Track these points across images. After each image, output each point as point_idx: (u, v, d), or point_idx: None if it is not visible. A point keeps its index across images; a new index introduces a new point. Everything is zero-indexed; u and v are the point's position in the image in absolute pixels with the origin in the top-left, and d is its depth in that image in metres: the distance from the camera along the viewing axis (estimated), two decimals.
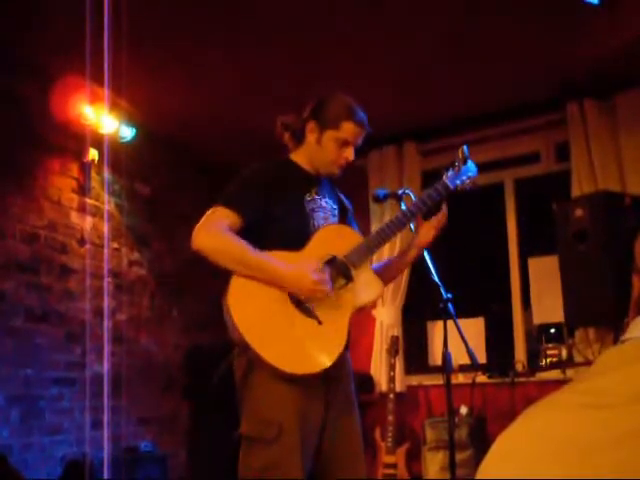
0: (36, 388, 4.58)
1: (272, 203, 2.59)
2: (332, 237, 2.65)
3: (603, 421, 0.79)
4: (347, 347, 2.62)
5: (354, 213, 2.99)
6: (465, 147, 2.82)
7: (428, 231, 2.74)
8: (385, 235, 2.67)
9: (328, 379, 2.52)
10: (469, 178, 2.81)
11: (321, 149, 2.69)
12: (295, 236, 2.58)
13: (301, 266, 2.48)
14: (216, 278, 2.58)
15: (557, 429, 0.81)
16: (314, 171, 2.75)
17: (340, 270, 2.58)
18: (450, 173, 2.78)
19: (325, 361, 2.44)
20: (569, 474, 0.76)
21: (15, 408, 4.42)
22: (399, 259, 2.89)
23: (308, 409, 2.47)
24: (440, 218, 2.74)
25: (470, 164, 2.82)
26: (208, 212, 2.55)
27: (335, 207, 2.82)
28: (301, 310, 2.48)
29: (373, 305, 5.74)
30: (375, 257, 2.87)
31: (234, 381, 2.53)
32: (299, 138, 2.78)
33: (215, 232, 2.50)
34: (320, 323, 2.48)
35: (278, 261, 2.49)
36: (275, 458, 2.37)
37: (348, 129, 2.66)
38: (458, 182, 2.78)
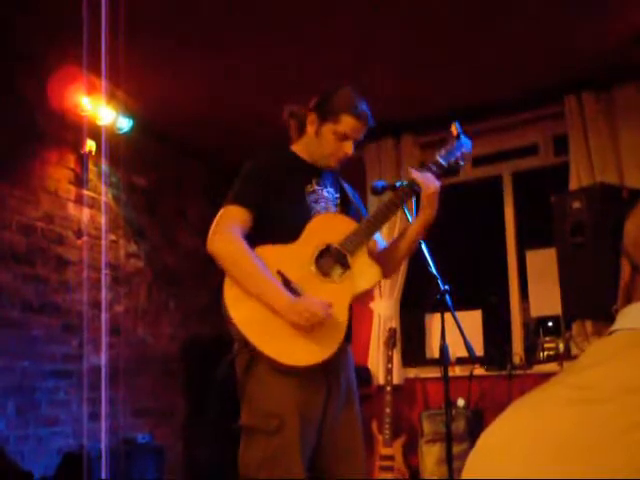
0: (32, 380, 4.57)
1: (273, 195, 2.59)
2: (326, 226, 2.64)
3: (591, 417, 0.78)
4: (349, 339, 2.62)
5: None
6: (457, 123, 2.80)
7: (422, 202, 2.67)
8: (379, 219, 2.64)
9: (329, 370, 2.52)
10: (463, 154, 2.79)
11: (319, 141, 2.68)
12: (295, 228, 2.58)
13: (303, 301, 2.43)
14: (213, 270, 2.57)
15: (544, 425, 0.80)
16: (314, 162, 2.74)
17: (336, 258, 2.57)
18: (443, 151, 2.76)
19: (325, 352, 2.44)
20: (557, 472, 0.75)
21: (11, 400, 4.41)
22: (403, 234, 2.79)
23: (308, 401, 2.47)
24: (426, 189, 2.63)
25: (463, 139, 2.79)
26: (220, 212, 2.56)
27: (337, 196, 2.80)
28: None
29: (371, 297, 5.74)
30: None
31: (234, 374, 2.53)
32: (301, 128, 2.77)
33: (230, 239, 2.50)
34: None
35: (282, 292, 2.45)
36: (275, 450, 2.38)
37: (347, 123, 2.63)
38: (451, 158, 2.75)
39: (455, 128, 2.78)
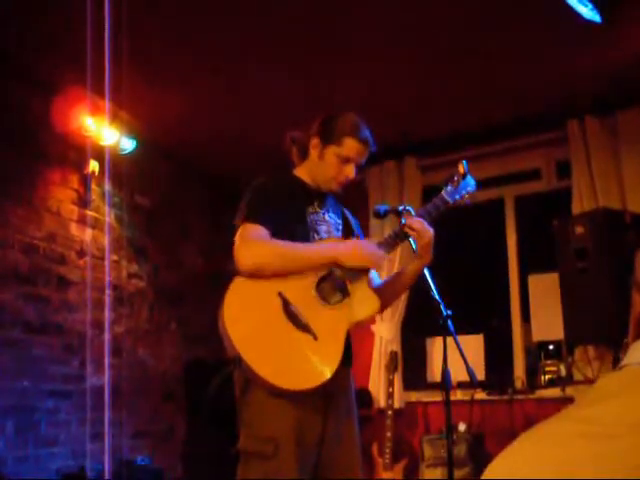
0: (32, 400, 4.55)
1: (277, 214, 2.60)
2: None
3: (602, 452, 0.77)
4: (350, 363, 2.62)
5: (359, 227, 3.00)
6: (464, 162, 2.83)
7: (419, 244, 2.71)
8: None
9: (327, 394, 2.51)
10: (468, 193, 2.82)
11: (322, 164, 2.70)
12: None
13: (348, 241, 2.65)
14: (214, 291, 2.57)
15: (554, 457, 0.79)
16: (316, 186, 2.75)
17: (337, 284, 2.57)
18: (449, 188, 2.78)
19: (320, 377, 2.42)
20: None
21: (10, 420, 4.39)
22: (400, 274, 2.87)
23: (306, 423, 2.46)
24: (419, 240, 2.67)
25: (469, 179, 2.83)
26: (237, 234, 2.55)
27: (339, 222, 2.82)
28: (297, 325, 2.46)
29: (372, 320, 5.72)
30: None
31: (231, 395, 2.52)
32: (304, 153, 2.79)
33: (255, 243, 2.51)
34: (316, 339, 2.46)
35: (322, 243, 2.61)
36: (273, 473, 2.37)
37: (350, 146, 2.66)
38: (457, 197, 2.79)
39: (462, 167, 2.80)
